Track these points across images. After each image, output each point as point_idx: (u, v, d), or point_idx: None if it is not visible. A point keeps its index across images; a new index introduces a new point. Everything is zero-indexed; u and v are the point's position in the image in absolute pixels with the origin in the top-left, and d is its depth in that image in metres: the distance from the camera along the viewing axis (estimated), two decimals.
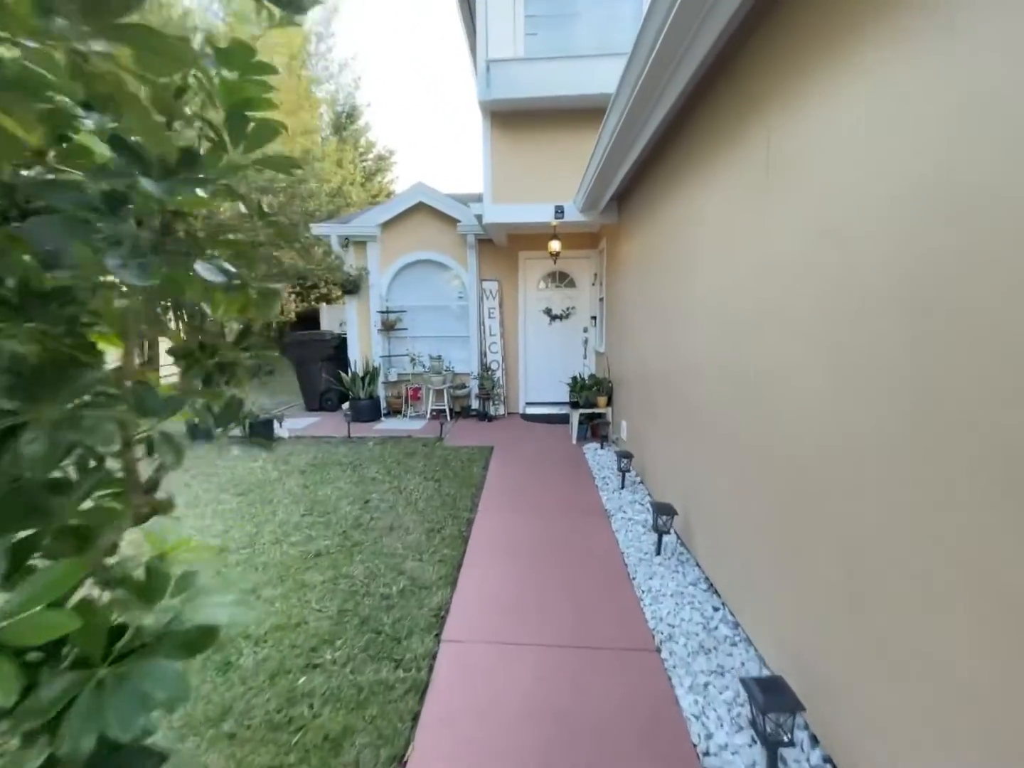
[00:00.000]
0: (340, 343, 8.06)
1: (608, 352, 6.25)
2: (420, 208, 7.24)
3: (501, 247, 7.36)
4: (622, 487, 4.28)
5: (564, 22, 5.03)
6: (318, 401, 8.04)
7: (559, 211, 5.51)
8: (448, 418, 7.33)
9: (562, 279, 7.63)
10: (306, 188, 9.25)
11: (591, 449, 5.54)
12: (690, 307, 3.09)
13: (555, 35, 4.93)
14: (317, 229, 7.10)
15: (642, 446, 4.39)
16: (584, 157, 5.38)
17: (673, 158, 3.50)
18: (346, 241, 7.31)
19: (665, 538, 3.11)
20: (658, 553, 3.06)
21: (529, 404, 7.79)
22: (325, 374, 7.84)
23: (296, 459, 5.26)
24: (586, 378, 6.06)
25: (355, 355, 7.57)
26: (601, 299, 7.19)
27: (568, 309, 7.63)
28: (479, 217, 5.74)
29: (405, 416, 7.38)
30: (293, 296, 14.83)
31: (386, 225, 7.28)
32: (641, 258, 4.55)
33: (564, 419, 7.06)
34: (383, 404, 7.49)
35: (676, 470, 3.41)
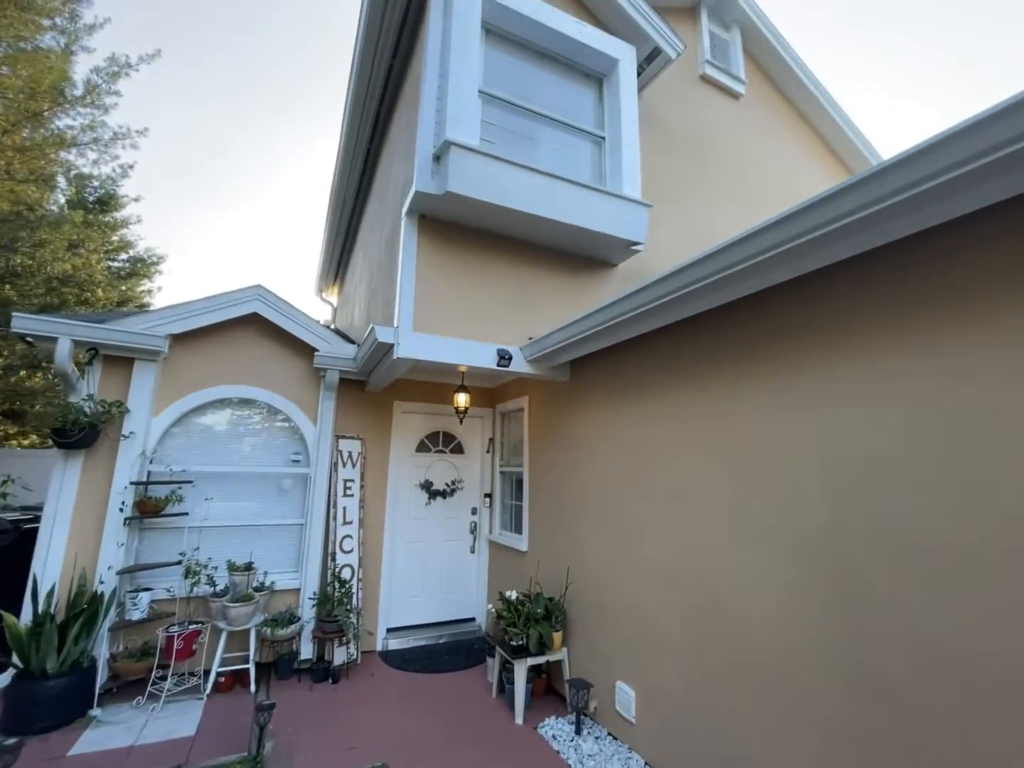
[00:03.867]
0: (18, 540, 4.04)
1: (537, 552, 4.39)
2: (251, 323, 4.69)
3: (373, 393, 5.20)
4: None
5: (523, 144, 4.13)
6: None
7: (504, 357, 3.94)
8: (253, 686, 3.95)
9: (447, 442, 5.73)
10: (7, 260, 5.36)
11: (562, 738, 3.26)
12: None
13: (514, 151, 3.93)
14: (32, 324, 3.71)
15: None
16: (527, 295, 4.20)
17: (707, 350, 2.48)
18: (90, 354, 4.06)
19: None
20: None
21: (393, 632, 4.99)
22: None
23: None
24: (523, 601, 3.97)
25: (53, 568, 3.73)
26: (503, 472, 5.52)
27: (455, 483, 5.62)
28: (382, 348, 3.71)
29: (155, 697, 3.67)
30: None
31: (181, 339, 4.40)
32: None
33: (455, 658, 4.55)
34: (101, 673, 3.65)
35: None
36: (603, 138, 4.57)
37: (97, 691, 3.56)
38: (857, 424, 2.02)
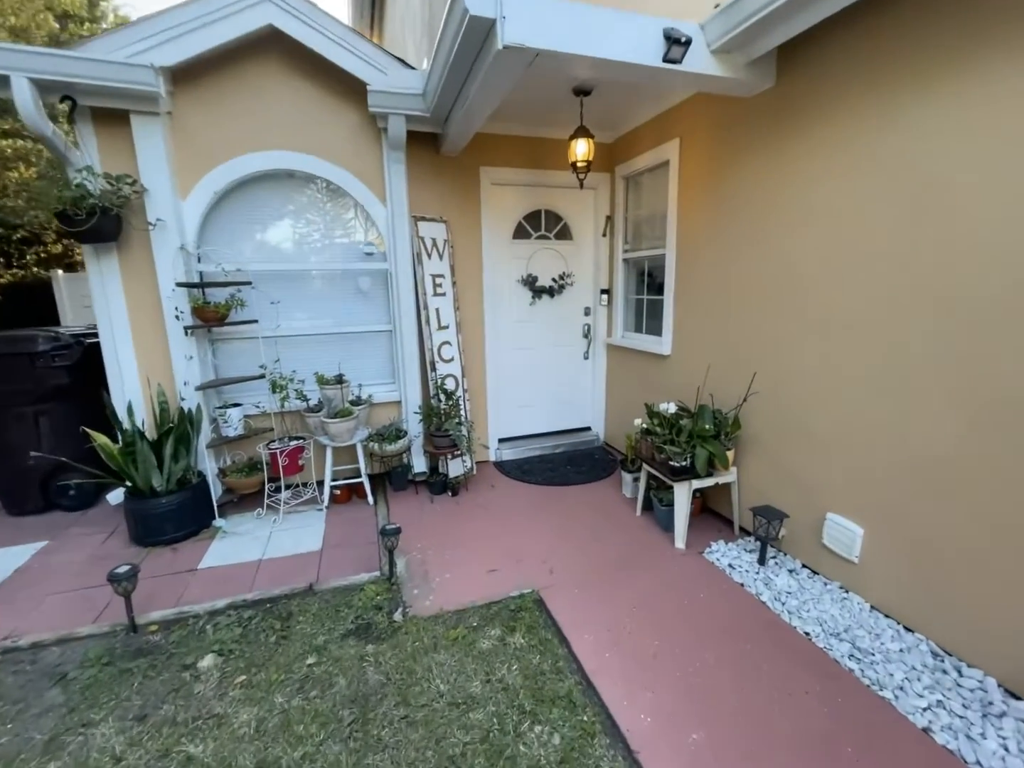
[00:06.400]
0: (84, 357, 3.59)
1: (688, 355, 3.36)
2: (272, 50, 3.19)
3: (452, 156, 3.78)
4: None
5: None
6: (39, 494, 3.53)
7: (678, 41, 2.30)
8: (370, 498, 3.68)
9: (551, 224, 4.40)
10: None
11: (741, 569, 2.67)
12: None
13: None
14: None
15: None
16: None
17: None
18: (68, 105, 2.89)
19: None
20: None
21: (505, 442, 4.53)
22: (43, 436, 3.39)
23: None
24: (681, 415, 3.10)
25: (130, 385, 3.28)
26: (628, 260, 4.25)
27: (563, 277, 4.47)
28: (474, 33, 2.19)
29: (274, 509, 3.48)
30: None
31: (183, 83, 3.07)
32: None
33: (578, 470, 4.04)
34: (214, 489, 3.41)
35: None
36: None
37: (216, 503, 3.36)
38: None
